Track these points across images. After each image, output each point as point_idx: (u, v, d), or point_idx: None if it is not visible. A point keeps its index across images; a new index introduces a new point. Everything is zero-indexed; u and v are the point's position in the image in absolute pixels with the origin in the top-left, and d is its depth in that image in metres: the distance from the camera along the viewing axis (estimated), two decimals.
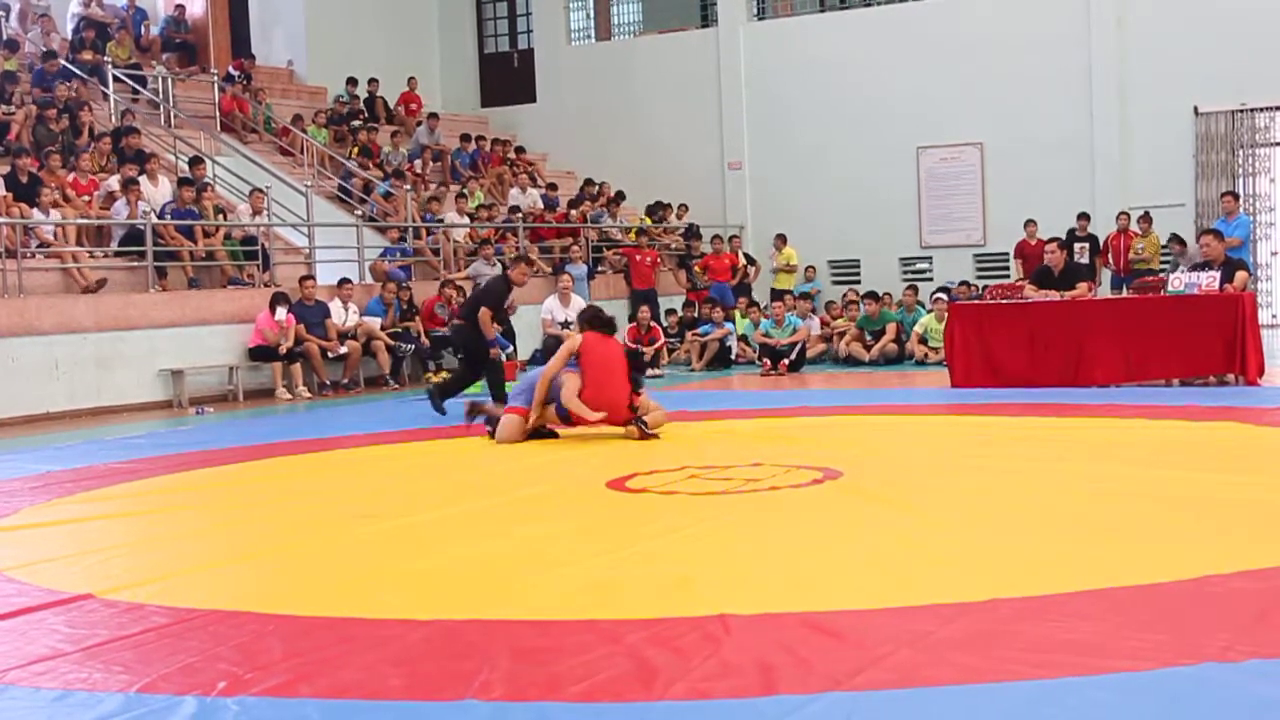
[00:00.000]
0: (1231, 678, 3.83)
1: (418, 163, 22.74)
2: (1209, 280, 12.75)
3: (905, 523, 6.30)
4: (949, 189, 23.18)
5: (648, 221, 23.70)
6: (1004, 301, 13.54)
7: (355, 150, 22.07)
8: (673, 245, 23.52)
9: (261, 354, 15.83)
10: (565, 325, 16.98)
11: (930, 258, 23.21)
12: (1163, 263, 19.74)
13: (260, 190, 17.65)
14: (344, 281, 17.16)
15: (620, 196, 24.30)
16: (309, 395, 15.80)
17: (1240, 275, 12.85)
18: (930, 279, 22.65)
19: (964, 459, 8.45)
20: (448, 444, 10.35)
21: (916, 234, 23.47)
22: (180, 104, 20.95)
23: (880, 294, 18.86)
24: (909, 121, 23.14)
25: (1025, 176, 22.26)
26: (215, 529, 7.18)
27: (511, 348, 18.58)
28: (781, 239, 22.89)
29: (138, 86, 20.43)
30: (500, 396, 12.29)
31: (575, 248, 20.97)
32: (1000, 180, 22.64)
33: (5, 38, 20.43)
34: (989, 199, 22.84)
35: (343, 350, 16.45)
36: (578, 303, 17.33)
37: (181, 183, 16.88)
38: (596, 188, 24.20)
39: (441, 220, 20.27)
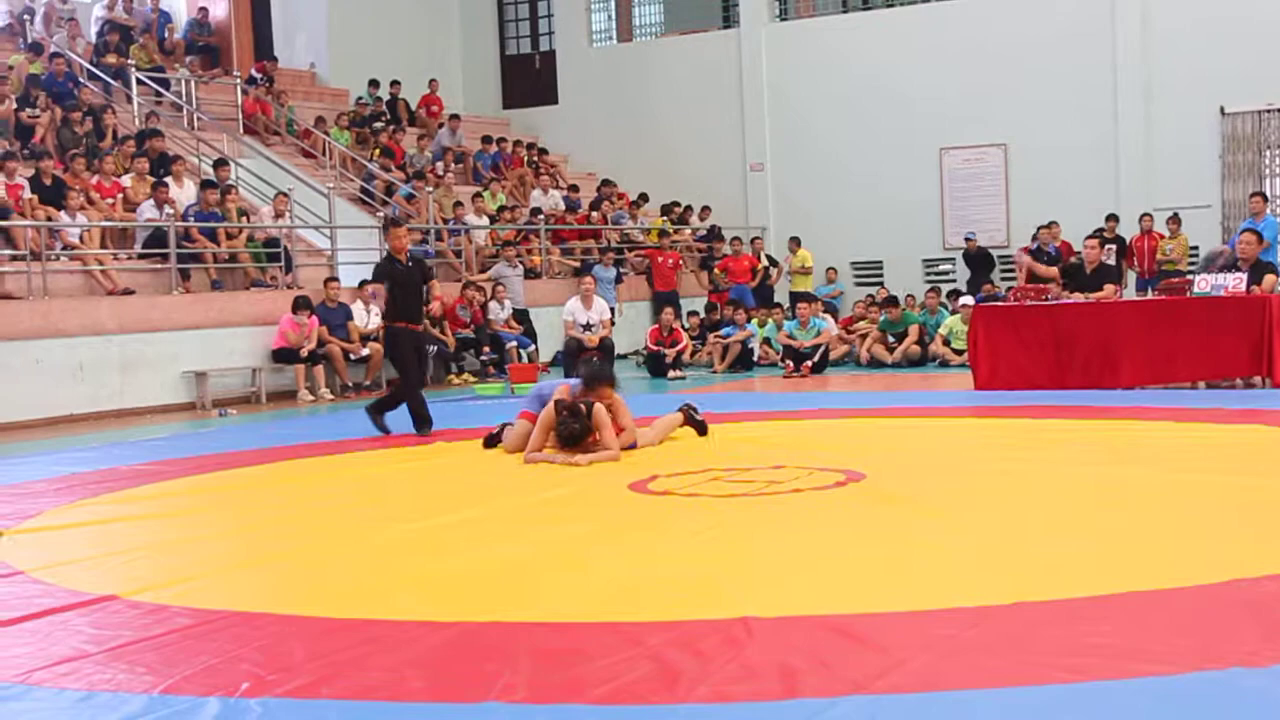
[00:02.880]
0: (1260, 683, 3.80)
1: (439, 165, 22.79)
2: (1236, 282, 12.69)
3: (928, 526, 6.28)
4: (972, 191, 23.12)
5: (664, 223, 23.67)
6: (1029, 303, 13.49)
7: (377, 152, 22.13)
8: (691, 243, 23.52)
9: (284, 356, 15.87)
10: (587, 328, 16.98)
11: (953, 259, 23.14)
12: (1192, 263, 19.67)
13: (283, 193, 17.71)
14: (365, 283, 17.20)
15: (643, 198, 24.31)
16: (331, 397, 15.83)
17: (1269, 278, 12.77)
18: (953, 281, 22.59)
19: (988, 462, 8.42)
20: (469, 446, 10.35)
21: (939, 236, 23.41)
22: (203, 107, 21.04)
23: (900, 298, 18.75)
24: (932, 122, 23.09)
25: (1049, 178, 22.18)
26: (238, 531, 7.20)
27: (533, 346, 18.60)
28: (795, 242, 22.87)
29: (161, 89, 20.52)
30: (413, 401, 11.16)
31: (609, 253, 20.94)
32: (1024, 182, 22.57)
33: (30, 40, 20.54)
34: (1012, 200, 22.77)
35: (364, 352, 16.49)
36: (600, 305, 17.32)
37: (204, 185, 16.94)
38: (613, 189, 24.20)
39: (465, 223, 20.30)
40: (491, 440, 10.03)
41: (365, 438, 11.14)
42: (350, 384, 16.36)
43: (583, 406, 9.05)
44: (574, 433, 8.99)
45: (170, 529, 7.25)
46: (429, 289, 11.49)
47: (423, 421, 11.16)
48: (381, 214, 19.21)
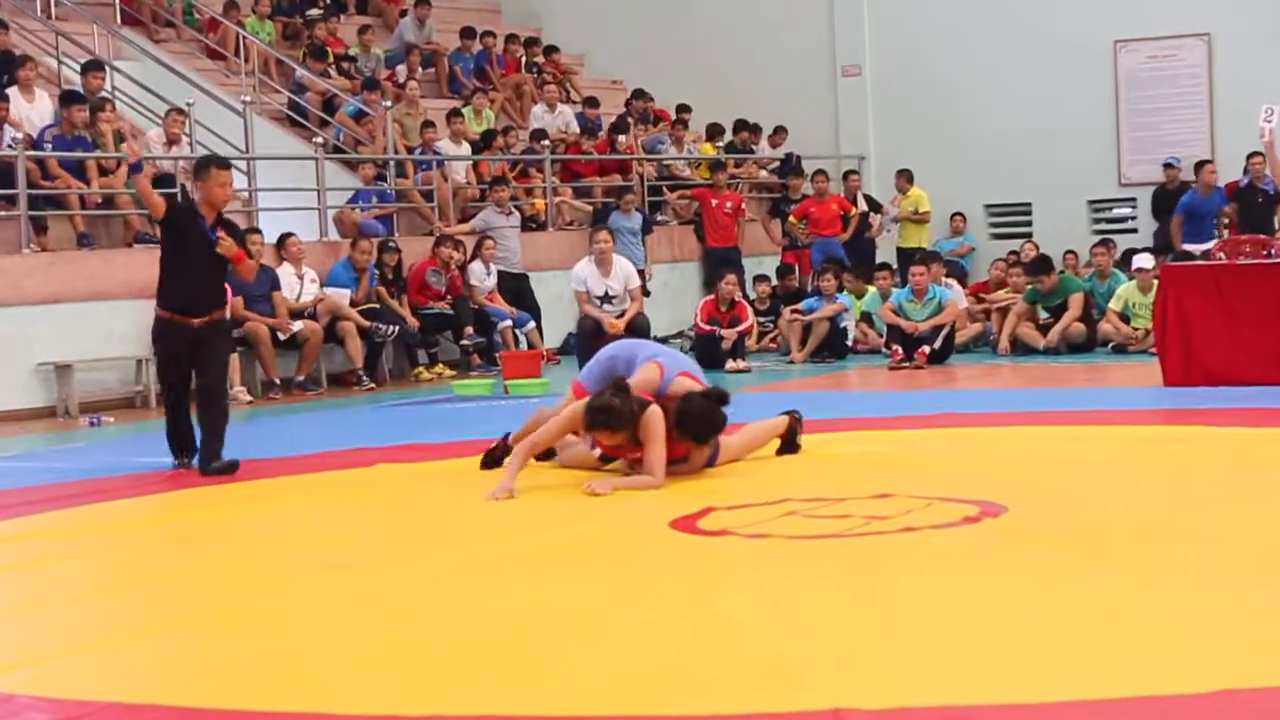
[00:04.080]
0: None
1: (401, 69, 22.79)
2: None
3: (1095, 579, 6.25)
4: (1160, 101, 22.97)
5: (719, 151, 23.60)
6: (1244, 262, 13.39)
7: (310, 52, 22.13)
8: (758, 179, 23.47)
9: None
10: (606, 300, 16.94)
11: (1134, 200, 23.04)
12: None
13: (179, 109, 17.73)
14: (288, 237, 17.13)
15: (684, 113, 24.21)
16: (250, 399, 15.84)
17: None
18: (1134, 230, 22.48)
19: (1181, 489, 8.40)
20: (446, 468, 10.35)
21: (1113, 167, 23.28)
22: None
23: (1056, 259, 18.62)
24: (1103, 6, 22.96)
25: (1271, 80, 22.04)
26: (115, 588, 7.22)
27: (533, 324, 18.56)
28: (906, 177, 22.77)
29: None
30: (207, 426, 10.73)
31: (631, 194, 20.92)
32: (1235, 87, 22.41)
33: None
34: (1219, 114, 22.63)
35: (296, 327, 16.41)
36: (624, 269, 17.19)
37: (68, 99, 16.96)
38: (646, 103, 24.12)
39: (437, 152, 20.31)
40: (493, 458, 10.00)
41: (295, 455, 11.15)
42: (277, 380, 16.36)
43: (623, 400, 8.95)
44: (611, 409, 8.90)
45: (19, 587, 7.27)
46: (235, 266, 10.79)
47: (182, 448, 10.87)
48: (319, 139, 19.25)
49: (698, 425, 9.18)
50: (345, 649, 5.73)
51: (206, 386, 10.82)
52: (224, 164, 11.23)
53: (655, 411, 9.03)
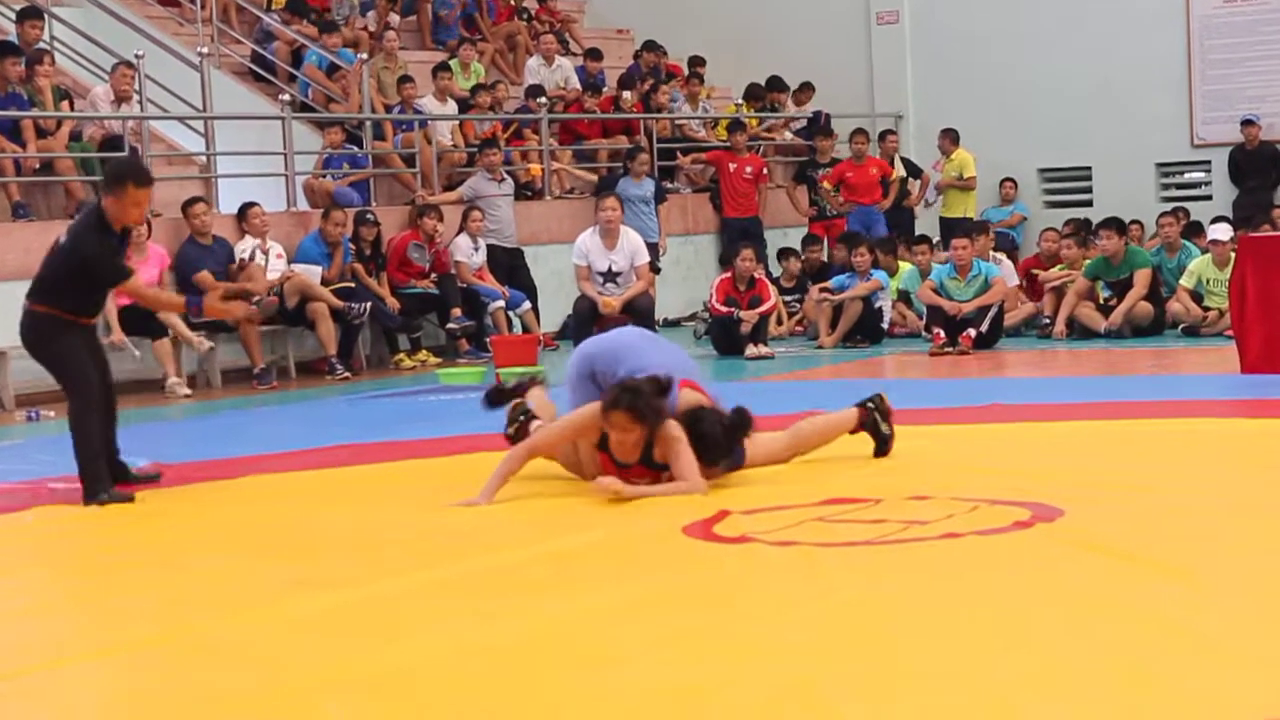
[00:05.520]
0: None
1: (371, 17, 22.73)
2: None
3: (1166, 594, 6.24)
4: (1240, 53, 22.92)
5: (740, 110, 23.56)
6: None
7: (289, 5, 22.11)
8: (783, 141, 23.43)
9: (135, 322, 15.74)
10: (610, 278, 16.88)
11: (1208, 163, 22.99)
12: None
13: (127, 63, 17.71)
14: (250, 207, 17.10)
15: (698, 64, 24.17)
16: (187, 392, 15.63)
17: None
18: (1208, 198, 22.43)
19: (1261, 491, 8.38)
20: (435, 465, 10.35)
21: (1185, 126, 23.23)
22: None
23: (1125, 223, 18.64)
24: None
25: None
26: (63, 604, 7.24)
27: (528, 305, 18.50)
28: (950, 138, 22.70)
29: None
30: (84, 444, 9.84)
31: (643, 157, 20.87)
32: None
33: None
34: None
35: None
36: (631, 243, 17.10)
37: (1, 51, 16.94)
38: (658, 56, 24.08)
39: (419, 111, 20.29)
40: (499, 396, 10.04)
41: (259, 454, 11.16)
42: (264, 364, 16.27)
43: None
44: (640, 392, 8.67)
45: None
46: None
47: (97, 483, 9.66)
48: (286, 96, 19.23)
49: (712, 451, 8.99)
50: (315, 679, 5.70)
51: (110, 387, 10.29)
52: (144, 180, 10.12)
53: (672, 423, 8.93)
